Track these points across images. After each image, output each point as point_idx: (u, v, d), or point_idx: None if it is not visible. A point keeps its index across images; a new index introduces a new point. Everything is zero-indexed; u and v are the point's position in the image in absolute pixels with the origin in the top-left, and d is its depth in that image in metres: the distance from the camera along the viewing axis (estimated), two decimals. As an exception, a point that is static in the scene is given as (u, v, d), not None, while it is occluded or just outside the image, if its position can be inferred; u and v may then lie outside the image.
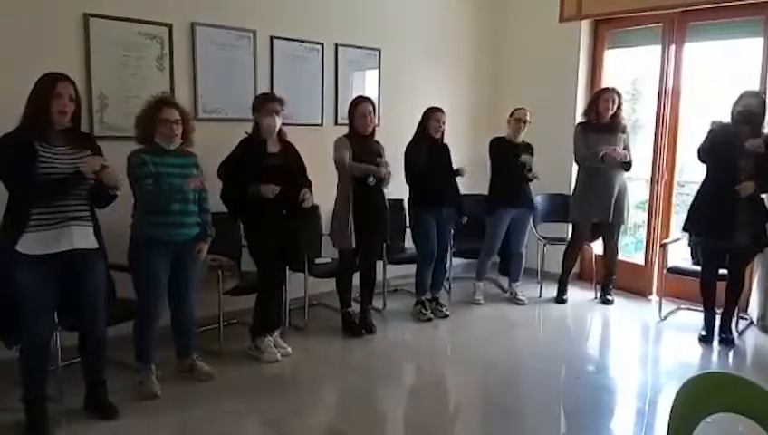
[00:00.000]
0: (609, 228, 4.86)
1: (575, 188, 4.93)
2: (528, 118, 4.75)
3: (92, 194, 2.73)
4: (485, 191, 4.89)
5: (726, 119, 3.95)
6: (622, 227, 4.95)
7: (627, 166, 4.75)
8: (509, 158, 4.69)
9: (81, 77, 3.48)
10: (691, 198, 4.18)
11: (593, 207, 4.75)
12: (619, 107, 4.70)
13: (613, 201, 4.72)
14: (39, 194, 2.57)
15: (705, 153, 3.98)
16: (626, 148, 4.73)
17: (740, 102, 3.88)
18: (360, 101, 4.04)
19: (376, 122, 4.12)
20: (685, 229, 4.26)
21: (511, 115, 4.80)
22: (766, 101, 3.88)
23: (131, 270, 3.12)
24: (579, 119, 5.31)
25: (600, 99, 4.72)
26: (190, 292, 3.30)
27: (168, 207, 3.06)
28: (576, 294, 5.14)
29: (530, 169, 4.68)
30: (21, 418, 2.75)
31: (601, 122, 4.69)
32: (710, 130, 4.00)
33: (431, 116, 4.34)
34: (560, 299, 5.00)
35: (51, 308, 2.70)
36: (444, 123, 4.34)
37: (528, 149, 4.80)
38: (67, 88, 2.62)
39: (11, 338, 2.78)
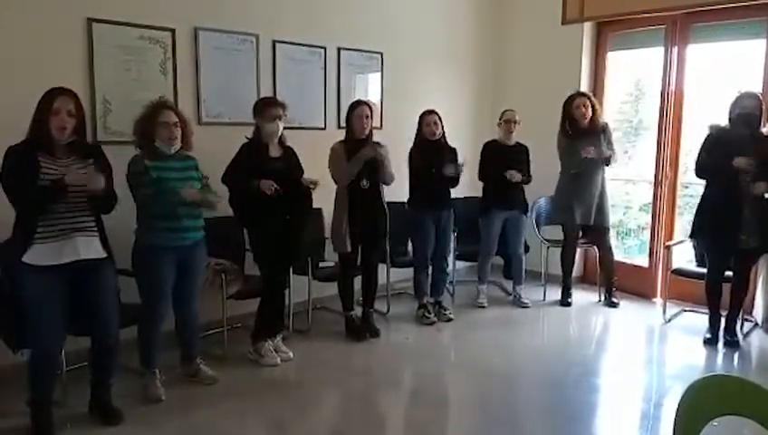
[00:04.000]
0: (596, 231, 4.88)
1: (557, 192, 4.93)
2: (517, 118, 4.76)
3: (90, 200, 2.73)
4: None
5: (724, 122, 3.95)
6: (610, 228, 4.95)
7: (606, 161, 4.73)
8: (500, 161, 4.68)
9: (85, 82, 3.50)
10: (695, 201, 4.18)
11: (574, 209, 4.77)
12: (593, 109, 4.70)
13: (594, 203, 4.74)
14: (33, 204, 2.58)
15: (703, 170, 4.01)
16: (610, 144, 4.75)
17: (738, 104, 3.87)
18: (357, 104, 4.04)
19: (375, 125, 4.12)
20: (692, 237, 4.26)
21: (500, 118, 4.82)
22: (763, 101, 3.88)
23: (136, 275, 3.12)
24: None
25: (572, 107, 4.72)
26: (194, 296, 3.31)
27: (170, 211, 3.06)
28: (580, 296, 5.12)
29: (520, 180, 4.67)
30: (26, 421, 2.76)
31: (581, 127, 4.69)
32: (707, 136, 4.00)
33: (422, 120, 4.37)
34: (565, 302, 4.99)
35: (59, 320, 2.70)
36: (437, 124, 4.34)
37: (522, 151, 4.80)
38: (65, 103, 2.62)
39: (16, 343, 2.78)
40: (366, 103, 4.07)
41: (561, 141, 4.80)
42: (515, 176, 4.63)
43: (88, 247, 2.72)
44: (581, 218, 4.80)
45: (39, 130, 2.60)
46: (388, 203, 4.22)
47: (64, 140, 2.66)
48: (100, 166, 2.76)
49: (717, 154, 3.87)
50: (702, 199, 4.11)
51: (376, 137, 4.11)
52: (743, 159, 3.73)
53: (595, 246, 5.03)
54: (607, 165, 4.78)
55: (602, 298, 5.06)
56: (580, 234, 4.96)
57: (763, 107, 3.87)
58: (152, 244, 3.07)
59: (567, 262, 5.02)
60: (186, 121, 3.19)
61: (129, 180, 3.02)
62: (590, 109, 4.69)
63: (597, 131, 4.72)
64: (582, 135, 4.69)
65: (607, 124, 4.84)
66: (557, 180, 4.92)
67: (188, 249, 3.16)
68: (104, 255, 2.78)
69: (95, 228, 2.76)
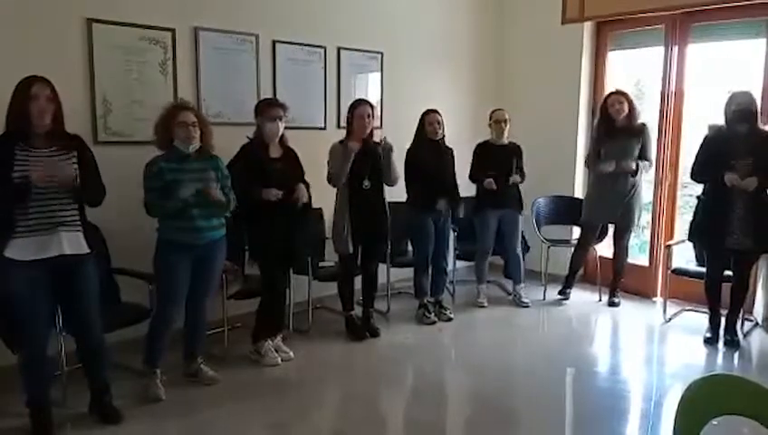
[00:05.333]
0: (621, 230, 4.85)
1: (587, 190, 4.92)
2: (507, 117, 4.75)
3: (70, 192, 2.69)
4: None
5: (721, 121, 3.95)
6: (633, 229, 4.93)
7: (633, 173, 4.69)
8: (493, 161, 4.67)
9: (85, 82, 3.50)
10: (695, 201, 4.18)
11: (604, 209, 4.76)
12: (630, 107, 4.68)
13: (622, 202, 4.71)
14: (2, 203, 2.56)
15: (698, 175, 4.02)
16: (644, 148, 4.68)
17: (733, 102, 3.88)
18: (359, 103, 4.04)
19: (376, 125, 4.11)
20: (689, 238, 4.26)
21: (490, 118, 4.80)
22: (755, 99, 3.90)
23: (154, 273, 3.14)
24: (582, 121, 5.32)
25: (608, 104, 4.70)
26: (207, 295, 3.32)
27: (184, 212, 3.07)
28: (580, 295, 5.12)
29: (514, 179, 4.68)
30: (26, 421, 2.77)
31: (617, 126, 4.67)
32: (704, 138, 4.00)
33: (425, 119, 4.37)
34: (562, 292, 5.00)
35: (45, 316, 2.70)
36: (439, 123, 4.34)
37: (515, 151, 4.78)
38: (42, 89, 2.60)
39: (15, 342, 2.78)
40: (367, 102, 4.06)
41: (593, 136, 4.77)
42: (492, 184, 4.61)
43: (71, 242, 2.70)
44: (609, 218, 4.78)
45: (17, 119, 2.58)
46: (388, 203, 4.22)
47: (44, 128, 2.62)
48: (84, 157, 2.75)
49: (716, 154, 3.88)
50: (699, 200, 4.12)
51: (376, 137, 4.10)
52: (733, 176, 3.75)
53: (601, 245, 5.01)
54: (633, 176, 4.69)
55: (603, 298, 5.05)
56: (597, 235, 4.93)
57: (757, 103, 3.89)
58: (169, 241, 3.10)
59: (577, 262, 5.02)
60: (205, 122, 3.21)
61: (144, 181, 3.04)
62: (625, 105, 4.65)
63: (633, 132, 4.66)
64: (618, 135, 4.64)
65: (645, 126, 4.75)
66: (588, 179, 4.93)
67: (204, 248, 3.17)
68: (87, 250, 2.77)
69: (78, 223, 2.75)
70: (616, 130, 4.66)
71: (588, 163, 4.86)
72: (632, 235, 4.96)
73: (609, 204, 4.72)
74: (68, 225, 2.70)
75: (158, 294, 3.15)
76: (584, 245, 4.97)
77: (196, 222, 3.11)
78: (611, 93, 4.80)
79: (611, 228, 4.93)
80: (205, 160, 3.18)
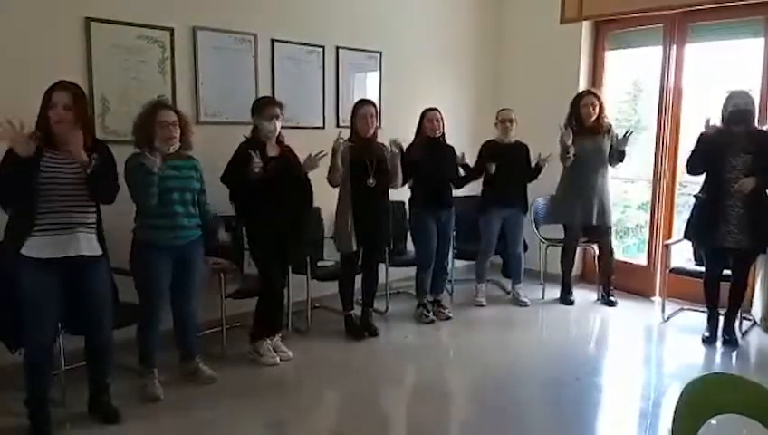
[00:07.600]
0: (598, 231, 4.88)
1: (556, 190, 4.93)
2: (513, 117, 4.75)
3: (91, 187, 2.69)
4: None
5: (718, 120, 3.96)
6: (612, 227, 4.95)
7: (617, 159, 4.76)
8: (499, 160, 4.65)
9: (83, 81, 3.47)
10: (691, 202, 4.20)
11: (575, 209, 4.77)
12: (600, 109, 4.71)
13: (595, 203, 4.74)
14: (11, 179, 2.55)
15: (693, 169, 4.05)
16: (612, 147, 4.76)
17: (730, 102, 3.88)
18: (362, 104, 4.04)
19: (377, 125, 4.12)
20: (686, 237, 4.28)
21: (497, 117, 4.81)
22: (754, 99, 3.91)
23: (133, 273, 3.13)
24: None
25: (580, 105, 4.73)
26: (192, 295, 3.31)
27: (167, 210, 3.07)
28: (578, 295, 5.11)
29: (489, 168, 4.61)
30: (24, 422, 2.76)
31: (585, 126, 4.71)
32: (702, 134, 3.99)
33: (425, 116, 4.37)
34: (566, 300, 4.99)
35: (53, 314, 2.70)
36: (439, 121, 4.35)
37: (522, 150, 4.79)
38: (62, 97, 2.61)
39: (13, 342, 2.79)
40: (370, 103, 4.07)
41: (564, 134, 4.79)
42: (492, 168, 4.57)
43: (88, 244, 2.72)
44: (583, 218, 4.79)
45: (40, 126, 2.61)
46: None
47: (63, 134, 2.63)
48: (100, 153, 2.74)
49: (713, 150, 3.89)
50: (696, 199, 4.12)
51: (385, 140, 4.11)
52: (741, 187, 3.78)
53: (595, 245, 5.03)
54: (611, 165, 4.79)
55: (600, 297, 5.07)
56: (581, 233, 4.96)
57: (755, 102, 3.90)
58: (148, 242, 3.08)
59: (567, 261, 5.02)
60: (185, 120, 3.20)
61: (127, 178, 3.01)
62: (597, 109, 4.70)
63: (600, 132, 4.73)
64: (585, 133, 4.70)
65: (611, 126, 4.83)
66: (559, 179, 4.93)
67: (184, 248, 3.17)
68: (100, 252, 2.79)
69: (95, 225, 2.76)
70: (585, 130, 4.70)
71: (561, 160, 4.79)
72: (613, 233, 4.99)
73: (580, 203, 4.74)
74: (86, 226, 2.71)
75: (139, 293, 3.14)
76: (571, 244, 4.97)
77: (180, 220, 3.11)
78: (584, 93, 4.83)
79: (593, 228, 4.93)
80: (183, 160, 3.17)
